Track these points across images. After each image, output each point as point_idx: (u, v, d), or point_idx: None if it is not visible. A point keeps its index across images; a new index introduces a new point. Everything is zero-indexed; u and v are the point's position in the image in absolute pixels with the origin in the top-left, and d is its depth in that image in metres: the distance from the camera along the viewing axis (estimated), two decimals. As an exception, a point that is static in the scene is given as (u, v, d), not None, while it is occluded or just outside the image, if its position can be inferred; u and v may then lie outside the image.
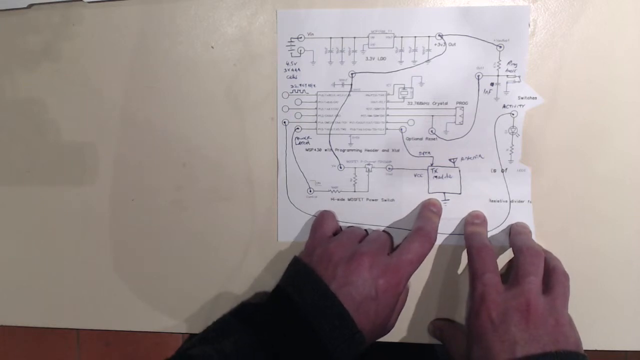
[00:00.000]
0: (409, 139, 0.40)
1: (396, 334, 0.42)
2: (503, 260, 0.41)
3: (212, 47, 0.41)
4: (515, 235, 0.39)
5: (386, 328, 0.38)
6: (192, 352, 0.34)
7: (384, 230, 0.41)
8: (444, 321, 0.42)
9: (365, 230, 0.41)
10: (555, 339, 0.33)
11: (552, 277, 0.36)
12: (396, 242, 0.41)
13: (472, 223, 0.40)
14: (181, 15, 0.40)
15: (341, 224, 0.42)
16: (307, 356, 0.34)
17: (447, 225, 0.41)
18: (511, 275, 0.36)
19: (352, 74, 0.40)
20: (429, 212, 0.40)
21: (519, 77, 0.39)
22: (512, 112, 0.39)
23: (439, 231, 0.40)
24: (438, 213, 0.40)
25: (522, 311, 0.33)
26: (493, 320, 0.34)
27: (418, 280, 0.42)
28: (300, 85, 0.40)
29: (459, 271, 0.42)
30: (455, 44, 0.39)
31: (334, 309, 0.34)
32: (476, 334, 0.35)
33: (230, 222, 0.42)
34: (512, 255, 0.39)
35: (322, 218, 0.41)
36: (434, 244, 0.38)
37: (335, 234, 0.40)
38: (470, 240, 0.39)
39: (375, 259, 0.36)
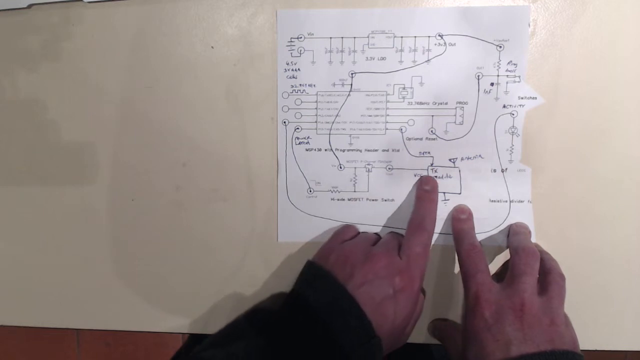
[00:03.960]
0: (409, 139, 0.40)
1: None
2: (502, 260, 0.41)
3: (212, 47, 0.41)
4: (513, 235, 0.39)
5: (404, 333, 0.37)
6: (203, 355, 0.34)
7: (396, 232, 0.41)
8: (443, 321, 0.42)
9: (377, 234, 0.41)
10: (550, 338, 0.33)
11: (548, 277, 0.36)
12: None
13: (459, 219, 0.40)
14: (181, 15, 0.40)
15: (343, 224, 0.42)
16: (323, 358, 0.33)
17: (444, 225, 0.41)
18: (507, 275, 0.36)
19: (352, 74, 0.40)
20: (422, 199, 0.39)
21: (519, 77, 0.39)
22: (512, 112, 0.39)
23: (436, 231, 0.40)
24: (434, 191, 0.39)
25: (517, 311, 0.33)
26: (487, 320, 0.34)
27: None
28: (300, 85, 0.40)
29: (454, 270, 0.42)
30: (455, 44, 0.39)
31: (352, 310, 0.33)
32: (471, 333, 0.35)
33: (230, 223, 0.42)
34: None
35: (344, 228, 0.41)
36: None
37: None
38: (459, 240, 0.39)
39: (390, 259, 0.36)
